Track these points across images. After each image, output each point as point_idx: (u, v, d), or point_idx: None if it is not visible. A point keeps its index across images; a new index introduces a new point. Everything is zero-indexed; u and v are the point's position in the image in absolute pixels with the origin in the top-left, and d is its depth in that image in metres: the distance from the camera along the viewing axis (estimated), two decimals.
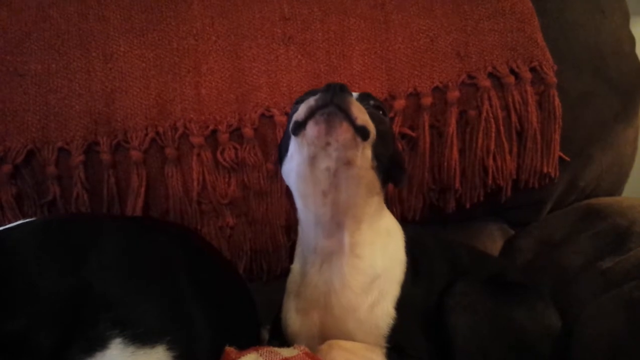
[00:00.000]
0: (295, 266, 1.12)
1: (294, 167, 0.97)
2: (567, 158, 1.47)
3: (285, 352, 0.92)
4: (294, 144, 0.95)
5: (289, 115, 1.03)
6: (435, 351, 1.02)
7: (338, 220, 1.00)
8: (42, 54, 1.35)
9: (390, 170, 1.03)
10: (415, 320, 1.03)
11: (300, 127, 0.90)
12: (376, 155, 0.94)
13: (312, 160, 0.92)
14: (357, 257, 1.02)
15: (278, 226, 1.40)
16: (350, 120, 0.87)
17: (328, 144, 0.88)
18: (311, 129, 0.88)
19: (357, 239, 1.02)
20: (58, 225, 0.91)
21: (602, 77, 1.49)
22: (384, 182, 1.03)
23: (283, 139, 1.06)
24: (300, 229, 1.10)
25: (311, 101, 0.88)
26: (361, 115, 0.89)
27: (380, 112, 1.02)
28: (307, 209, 1.02)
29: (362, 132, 0.89)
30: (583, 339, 1.07)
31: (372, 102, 1.02)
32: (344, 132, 0.87)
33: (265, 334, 1.23)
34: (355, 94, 1.01)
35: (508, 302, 1.07)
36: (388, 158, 1.00)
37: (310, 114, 0.88)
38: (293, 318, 1.08)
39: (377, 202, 1.04)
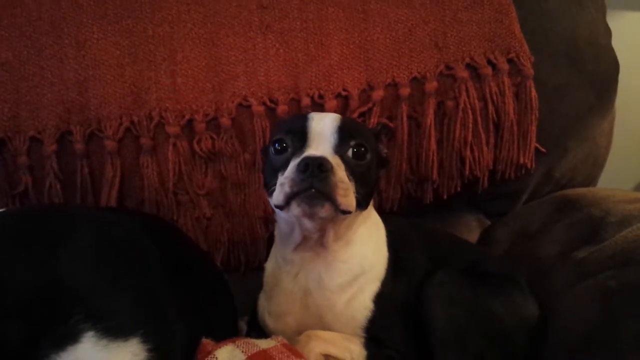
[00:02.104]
0: (268, 267, 1.12)
1: (281, 214, 0.99)
2: (543, 149, 1.48)
3: (263, 343, 0.92)
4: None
5: (270, 140, 1.01)
6: (414, 341, 1.03)
7: (322, 241, 1.00)
8: (13, 40, 1.31)
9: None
10: (394, 312, 1.04)
11: (283, 207, 0.91)
12: (358, 198, 0.94)
13: (299, 222, 0.97)
14: (340, 262, 1.02)
15: (256, 217, 1.39)
16: (333, 202, 0.88)
17: (313, 215, 0.90)
18: (295, 209, 0.89)
19: (340, 248, 1.02)
20: (28, 216, 0.89)
21: (578, 69, 1.50)
22: (367, 202, 1.02)
23: (266, 167, 1.04)
24: (277, 235, 1.09)
25: (287, 188, 0.88)
26: (344, 200, 0.89)
27: (362, 150, 0.97)
28: (291, 232, 1.02)
29: (344, 212, 0.90)
30: (558, 328, 1.08)
31: (352, 143, 0.96)
32: (326, 210, 0.89)
33: (244, 325, 1.22)
34: (334, 122, 0.97)
35: (486, 292, 1.08)
36: (369, 189, 1.00)
37: (292, 197, 0.88)
38: (267, 320, 1.08)
39: (362, 215, 1.04)
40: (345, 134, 0.96)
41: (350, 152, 0.96)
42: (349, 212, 0.91)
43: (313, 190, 0.86)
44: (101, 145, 1.30)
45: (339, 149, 0.95)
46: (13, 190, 1.30)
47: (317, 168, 0.86)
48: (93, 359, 0.74)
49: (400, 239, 1.12)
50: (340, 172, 0.90)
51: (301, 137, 0.96)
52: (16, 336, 0.71)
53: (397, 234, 1.12)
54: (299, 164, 0.88)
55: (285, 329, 1.03)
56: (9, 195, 1.31)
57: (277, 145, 0.97)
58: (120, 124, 1.30)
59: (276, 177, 0.93)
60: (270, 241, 1.20)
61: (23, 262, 0.76)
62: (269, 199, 0.97)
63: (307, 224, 0.96)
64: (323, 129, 0.96)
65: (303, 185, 0.86)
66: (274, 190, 0.92)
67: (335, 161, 0.91)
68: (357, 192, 0.93)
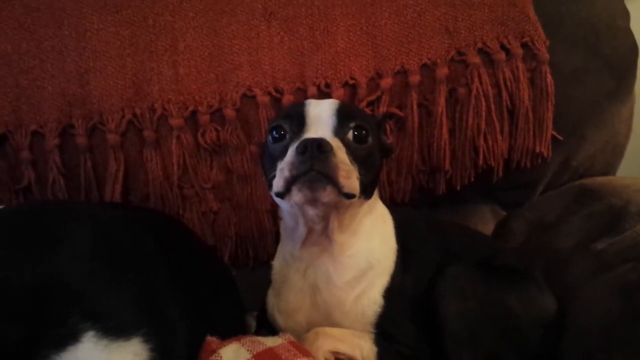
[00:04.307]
0: (276, 264, 1.09)
1: (284, 206, 0.97)
2: (559, 137, 1.43)
3: (270, 341, 0.89)
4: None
5: (267, 128, 0.99)
6: (425, 336, 1.00)
7: (327, 233, 0.98)
8: (12, 33, 1.29)
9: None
10: (404, 307, 1.01)
11: (283, 194, 0.88)
12: (362, 186, 0.91)
13: (301, 211, 0.94)
14: (347, 256, 1.00)
15: (263, 211, 1.37)
16: (335, 185, 0.85)
17: (315, 200, 0.87)
18: (296, 195, 0.86)
19: (346, 241, 0.99)
20: (26, 214, 0.87)
21: (595, 53, 1.45)
22: (372, 190, 1.00)
23: (265, 158, 1.00)
24: (283, 231, 1.07)
25: (287, 172, 0.85)
26: (347, 182, 0.86)
27: (363, 132, 0.95)
28: (296, 226, 0.99)
29: (347, 195, 0.87)
30: (576, 324, 1.04)
31: (352, 125, 0.94)
32: (328, 194, 0.86)
33: (252, 321, 1.20)
34: (333, 105, 0.95)
35: (500, 287, 1.04)
36: (372, 176, 0.97)
37: (292, 182, 0.85)
38: (277, 317, 1.06)
39: (367, 205, 1.01)
40: (344, 117, 0.94)
41: (350, 135, 0.93)
42: (353, 196, 0.88)
43: (313, 172, 0.83)
44: (104, 139, 1.28)
45: (339, 132, 0.92)
46: (16, 186, 1.29)
47: (316, 149, 0.83)
48: (94, 359, 0.72)
49: (409, 231, 1.09)
50: (341, 154, 0.87)
51: (299, 122, 0.93)
52: (15, 336, 0.69)
53: (406, 226, 1.09)
54: (297, 147, 0.85)
55: (295, 327, 1.01)
56: (12, 191, 1.30)
57: (274, 133, 0.95)
58: (123, 116, 1.28)
59: (276, 167, 0.90)
60: (278, 236, 1.17)
61: (21, 261, 0.74)
62: (271, 192, 0.94)
63: (310, 211, 0.92)
64: (321, 112, 0.94)
65: (302, 167, 0.83)
66: (275, 177, 0.89)
67: (336, 143, 0.88)
68: (361, 177, 0.90)
